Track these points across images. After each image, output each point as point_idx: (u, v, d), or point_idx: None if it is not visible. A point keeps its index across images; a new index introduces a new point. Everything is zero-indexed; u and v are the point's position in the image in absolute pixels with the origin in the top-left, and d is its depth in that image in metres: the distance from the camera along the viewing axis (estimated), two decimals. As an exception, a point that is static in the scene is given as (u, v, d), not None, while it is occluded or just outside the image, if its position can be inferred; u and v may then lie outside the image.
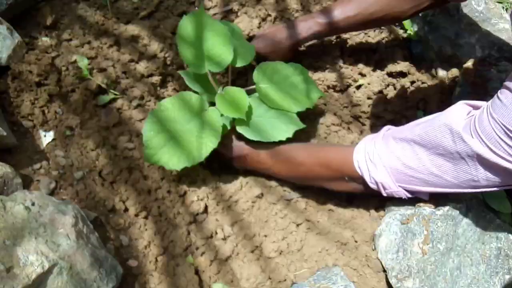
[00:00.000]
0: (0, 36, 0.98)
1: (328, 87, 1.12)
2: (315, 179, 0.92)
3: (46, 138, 0.99)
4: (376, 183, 0.81)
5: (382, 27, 1.17)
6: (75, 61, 1.05)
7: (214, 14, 1.14)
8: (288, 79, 1.01)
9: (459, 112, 0.70)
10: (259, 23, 1.15)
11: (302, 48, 1.15)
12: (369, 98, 1.10)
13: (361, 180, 0.83)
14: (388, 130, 0.84)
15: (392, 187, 0.80)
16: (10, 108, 0.98)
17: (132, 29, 1.12)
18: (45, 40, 1.07)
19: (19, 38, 1.02)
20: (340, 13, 1.00)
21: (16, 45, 1.00)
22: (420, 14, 1.11)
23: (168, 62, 1.12)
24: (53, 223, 0.78)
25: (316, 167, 0.89)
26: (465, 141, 0.67)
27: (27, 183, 0.92)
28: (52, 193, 0.93)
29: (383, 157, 0.78)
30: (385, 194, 0.82)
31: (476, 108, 0.71)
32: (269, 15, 1.18)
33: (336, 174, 0.87)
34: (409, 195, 0.81)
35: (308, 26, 1.03)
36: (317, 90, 1.02)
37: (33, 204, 0.81)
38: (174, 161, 0.88)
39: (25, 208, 0.79)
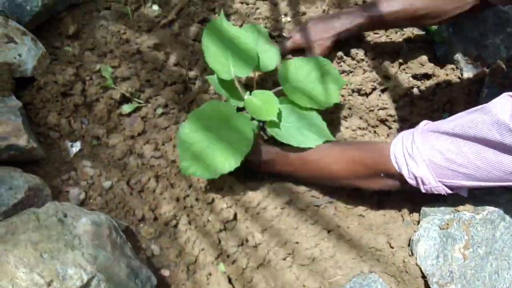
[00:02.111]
0: (25, 47, 0.98)
1: (353, 90, 1.11)
2: (349, 177, 0.89)
3: (73, 148, 0.99)
4: (415, 178, 0.79)
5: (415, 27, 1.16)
6: (98, 70, 1.05)
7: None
8: (312, 74, 1.01)
9: (504, 104, 0.69)
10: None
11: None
12: (394, 101, 1.09)
13: (398, 176, 0.81)
14: (426, 124, 0.82)
15: (432, 182, 0.78)
16: (36, 119, 0.98)
17: (154, 37, 1.11)
18: (68, 50, 1.07)
19: (43, 49, 1.02)
20: (385, 6, 1.00)
21: (40, 55, 1.00)
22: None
23: (191, 69, 1.12)
24: (88, 235, 0.78)
25: (350, 165, 0.88)
26: None
27: (56, 194, 0.92)
28: (82, 203, 0.92)
29: (423, 151, 0.77)
30: (423, 190, 0.80)
31: None
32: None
33: (371, 171, 0.85)
34: (449, 191, 0.79)
35: (351, 18, 1.03)
36: (340, 79, 1.02)
37: (65, 215, 0.80)
38: (210, 171, 0.88)
39: (58, 220, 0.78)
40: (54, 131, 0.98)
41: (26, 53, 0.98)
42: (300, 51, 1.09)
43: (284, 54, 1.11)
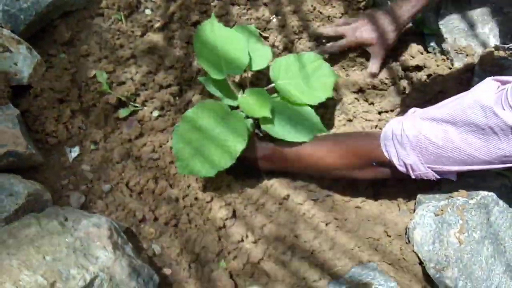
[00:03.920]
0: (21, 56, 0.99)
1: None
2: (342, 168, 0.91)
3: (71, 153, 1.00)
4: (405, 165, 0.81)
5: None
6: (94, 76, 1.07)
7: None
8: (304, 69, 1.02)
9: (488, 88, 0.71)
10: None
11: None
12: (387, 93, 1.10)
13: (389, 164, 0.83)
14: (414, 112, 0.84)
15: (421, 168, 0.80)
16: (34, 126, 0.99)
17: (148, 41, 1.13)
18: (63, 57, 1.08)
19: (38, 57, 1.03)
20: None
21: (36, 63, 1.02)
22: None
23: (185, 72, 1.13)
24: (89, 236, 0.79)
25: (343, 155, 0.90)
26: (498, 115, 0.67)
27: (56, 199, 0.93)
28: (82, 207, 0.93)
29: (412, 138, 0.78)
30: (413, 177, 0.82)
31: (504, 83, 0.71)
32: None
33: (363, 160, 0.87)
34: (438, 176, 0.81)
35: (412, 3, 1.00)
36: (333, 74, 1.03)
37: (66, 219, 0.82)
38: (207, 168, 0.89)
39: (59, 224, 0.80)
40: (52, 137, 1.00)
41: (21, 61, 0.99)
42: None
43: (332, 53, 1.10)
